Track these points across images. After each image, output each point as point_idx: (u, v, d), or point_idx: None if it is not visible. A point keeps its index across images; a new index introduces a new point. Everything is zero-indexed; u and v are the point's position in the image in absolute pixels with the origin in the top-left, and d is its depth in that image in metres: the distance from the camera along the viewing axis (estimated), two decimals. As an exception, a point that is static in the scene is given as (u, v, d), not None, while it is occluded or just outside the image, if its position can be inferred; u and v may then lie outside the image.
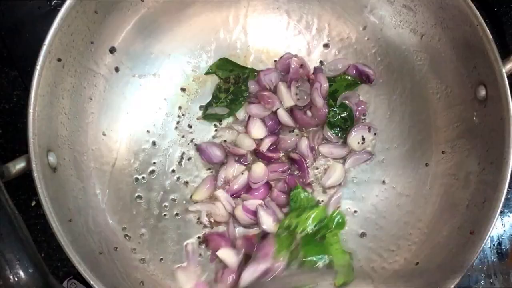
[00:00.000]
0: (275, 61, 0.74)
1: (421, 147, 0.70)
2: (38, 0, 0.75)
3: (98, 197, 0.64)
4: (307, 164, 0.71)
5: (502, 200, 0.57)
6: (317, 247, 0.66)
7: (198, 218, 0.69)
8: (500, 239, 0.76)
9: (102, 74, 0.66)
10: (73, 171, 0.61)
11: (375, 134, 0.72)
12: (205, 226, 0.68)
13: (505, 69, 0.59)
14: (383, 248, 0.68)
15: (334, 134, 0.72)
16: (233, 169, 0.70)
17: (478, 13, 0.60)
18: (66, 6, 0.57)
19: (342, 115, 0.72)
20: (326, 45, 0.75)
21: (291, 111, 0.72)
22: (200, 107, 0.72)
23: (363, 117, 0.74)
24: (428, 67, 0.70)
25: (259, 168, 0.69)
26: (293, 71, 0.72)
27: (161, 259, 0.66)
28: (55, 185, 0.56)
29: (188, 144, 0.71)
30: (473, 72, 0.63)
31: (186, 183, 0.70)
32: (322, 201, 0.70)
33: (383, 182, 0.71)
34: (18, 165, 0.53)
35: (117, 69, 0.68)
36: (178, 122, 0.72)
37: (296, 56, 0.73)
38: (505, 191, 0.57)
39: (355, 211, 0.70)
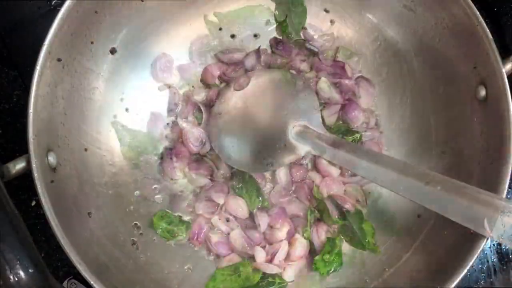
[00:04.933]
0: None
1: (421, 147, 0.70)
2: (38, 0, 0.75)
3: (98, 197, 0.64)
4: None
5: (502, 200, 0.57)
6: None
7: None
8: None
9: (102, 74, 0.66)
10: (73, 171, 0.61)
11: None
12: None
13: (505, 69, 0.59)
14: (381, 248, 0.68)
15: None
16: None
17: (478, 13, 0.60)
18: (66, 6, 0.57)
19: None
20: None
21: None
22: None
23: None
24: (428, 67, 0.70)
25: None
26: None
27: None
28: (55, 185, 0.55)
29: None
30: (473, 72, 0.63)
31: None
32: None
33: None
34: (18, 165, 0.53)
35: (117, 69, 0.68)
36: (178, 124, 0.72)
37: None
38: (505, 191, 0.57)
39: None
